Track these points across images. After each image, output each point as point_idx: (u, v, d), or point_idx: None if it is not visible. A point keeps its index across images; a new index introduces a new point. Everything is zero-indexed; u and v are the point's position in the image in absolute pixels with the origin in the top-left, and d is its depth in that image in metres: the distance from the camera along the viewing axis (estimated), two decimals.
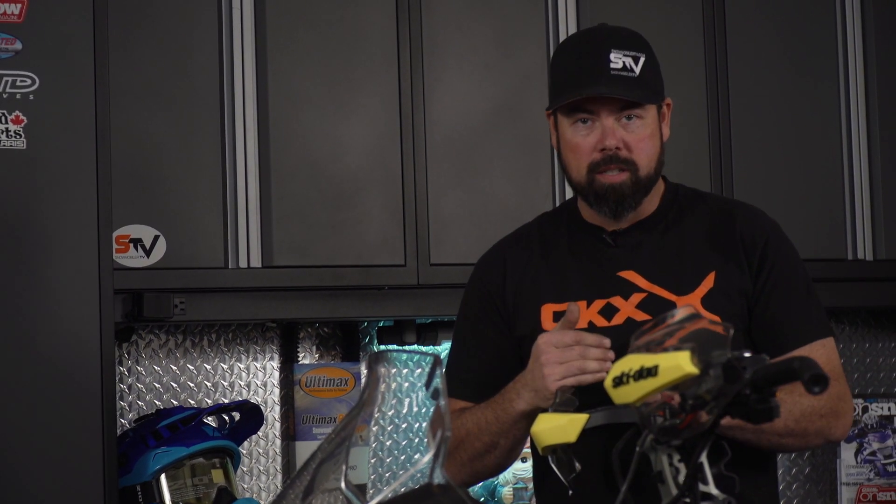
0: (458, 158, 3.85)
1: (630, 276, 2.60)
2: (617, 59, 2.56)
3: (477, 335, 2.67)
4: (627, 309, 2.57)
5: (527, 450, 2.65)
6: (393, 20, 3.81)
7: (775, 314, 2.58)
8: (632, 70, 2.56)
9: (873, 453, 4.44)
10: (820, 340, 2.59)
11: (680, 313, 2.05)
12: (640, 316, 2.54)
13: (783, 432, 2.48)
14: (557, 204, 3.85)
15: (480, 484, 4.11)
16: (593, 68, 2.56)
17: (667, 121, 2.66)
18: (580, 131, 2.57)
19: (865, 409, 4.45)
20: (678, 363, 1.95)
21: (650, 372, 1.97)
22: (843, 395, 2.56)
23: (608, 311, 2.58)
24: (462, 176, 3.84)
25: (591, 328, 2.56)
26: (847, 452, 4.43)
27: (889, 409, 4.47)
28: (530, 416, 2.45)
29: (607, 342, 2.43)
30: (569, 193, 3.85)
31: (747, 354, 1.94)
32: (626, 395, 2.01)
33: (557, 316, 2.58)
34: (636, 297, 2.58)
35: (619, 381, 2.02)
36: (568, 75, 2.59)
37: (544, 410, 2.42)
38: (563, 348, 2.42)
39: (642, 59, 2.58)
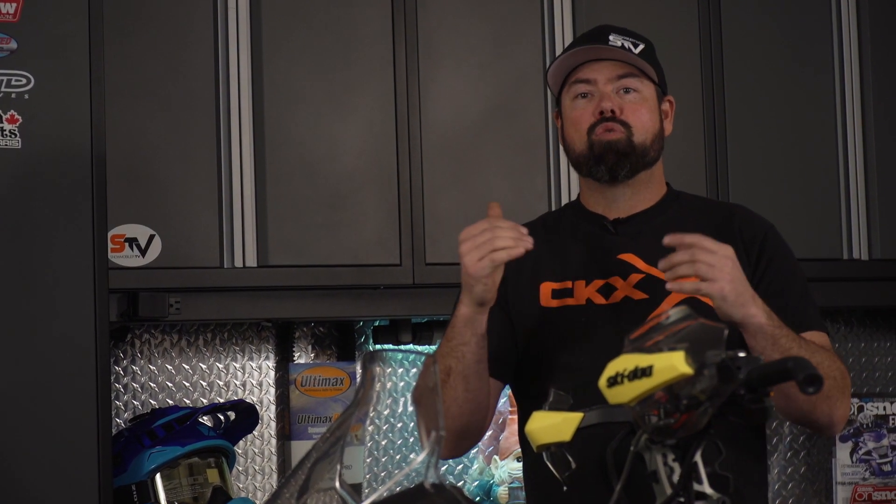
0: (454, 158, 3.85)
1: (629, 258, 2.67)
2: (616, 40, 2.69)
3: None
4: (626, 289, 2.64)
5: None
6: (388, 20, 3.81)
7: (773, 305, 2.60)
8: (630, 50, 2.68)
9: (868, 453, 4.44)
10: (817, 331, 2.63)
11: (674, 313, 2.05)
12: (638, 295, 2.62)
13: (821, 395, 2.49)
14: (553, 203, 3.87)
15: (476, 483, 4.11)
16: (592, 41, 2.70)
17: (670, 118, 2.76)
18: (579, 104, 2.68)
19: (861, 409, 4.45)
20: (672, 363, 1.94)
21: (644, 372, 1.97)
22: (845, 373, 2.59)
23: (606, 290, 2.65)
24: (457, 175, 3.85)
25: (589, 305, 2.61)
26: (842, 452, 4.43)
27: (884, 408, 4.47)
28: (472, 324, 2.52)
29: (524, 229, 2.49)
30: (564, 193, 3.88)
31: (742, 354, 1.94)
32: (620, 395, 2.01)
33: (556, 293, 2.65)
34: (634, 278, 2.64)
35: (613, 382, 2.01)
36: (569, 53, 2.71)
37: (484, 310, 2.51)
38: (477, 234, 2.48)
39: (641, 46, 2.70)
